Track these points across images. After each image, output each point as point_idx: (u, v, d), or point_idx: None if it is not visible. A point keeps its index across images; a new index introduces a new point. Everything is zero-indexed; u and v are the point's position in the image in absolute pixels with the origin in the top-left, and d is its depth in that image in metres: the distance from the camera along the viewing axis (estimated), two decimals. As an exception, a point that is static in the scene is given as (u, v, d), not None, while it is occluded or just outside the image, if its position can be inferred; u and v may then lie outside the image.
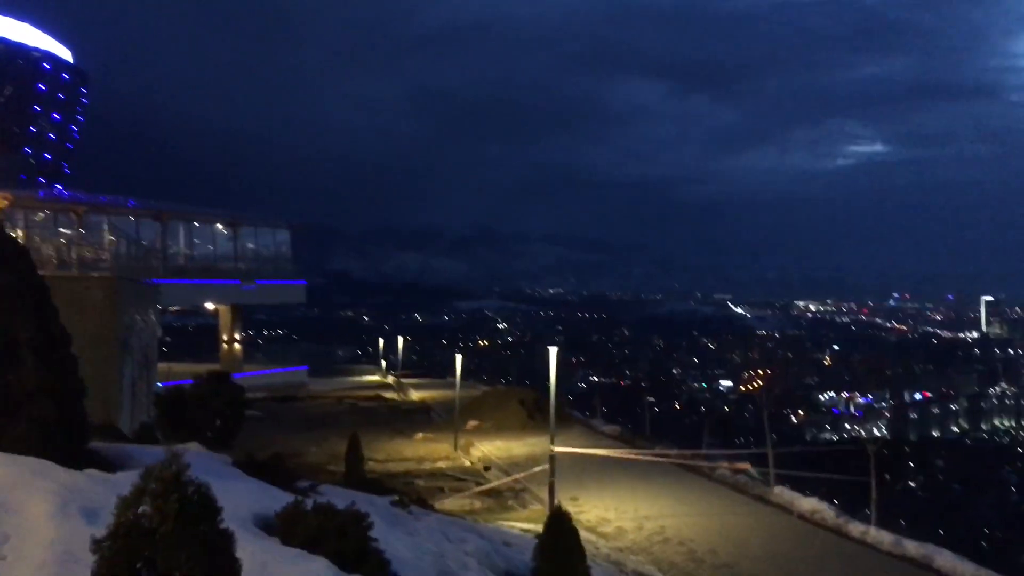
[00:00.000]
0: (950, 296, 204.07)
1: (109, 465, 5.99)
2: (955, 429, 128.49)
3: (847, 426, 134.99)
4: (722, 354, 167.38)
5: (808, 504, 20.24)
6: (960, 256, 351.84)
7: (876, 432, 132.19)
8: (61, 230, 37.56)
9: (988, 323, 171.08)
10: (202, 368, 50.67)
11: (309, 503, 6.49)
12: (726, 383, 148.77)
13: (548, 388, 22.25)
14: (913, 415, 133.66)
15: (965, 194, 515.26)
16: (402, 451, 30.32)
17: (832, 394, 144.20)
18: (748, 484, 23.26)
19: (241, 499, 6.12)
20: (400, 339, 52.72)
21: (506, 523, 19.59)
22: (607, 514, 20.54)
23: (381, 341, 56.68)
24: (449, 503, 22.13)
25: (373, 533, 6.98)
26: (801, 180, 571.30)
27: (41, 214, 38.25)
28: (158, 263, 42.12)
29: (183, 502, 3.58)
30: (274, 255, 49.29)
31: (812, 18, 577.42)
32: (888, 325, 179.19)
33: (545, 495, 22.19)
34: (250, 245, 48.38)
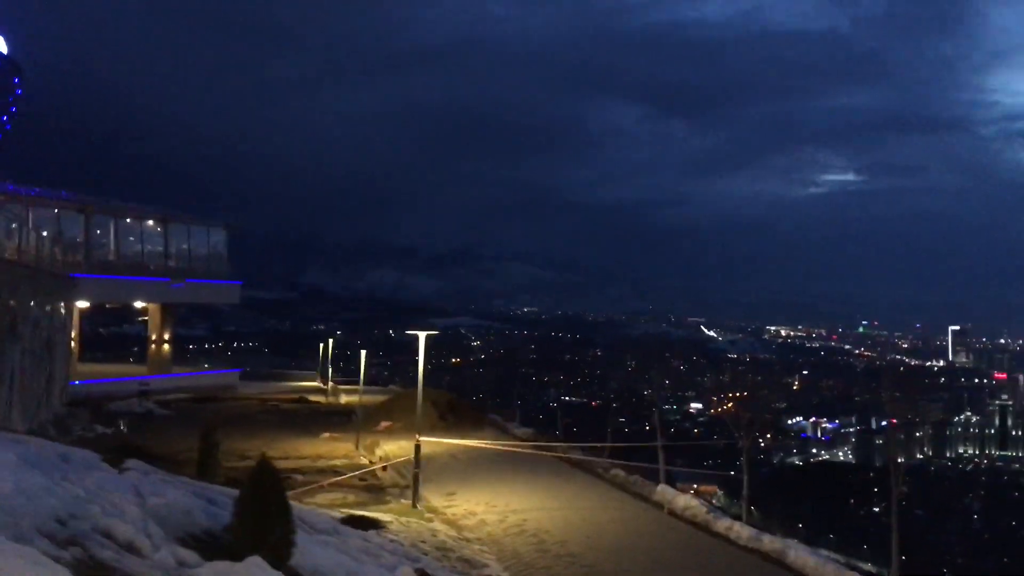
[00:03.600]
0: (918, 325, 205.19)
1: None
2: (920, 456, 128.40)
3: (814, 450, 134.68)
4: (693, 376, 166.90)
5: (682, 501, 19.59)
6: (929, 285, 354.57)
7: (841, 456, 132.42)
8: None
9: (955, 352, 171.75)
10: (128, 369, 49.55)
11: None
12: (696, 405, 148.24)
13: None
14: (879, 441, 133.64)
15: (935, 224, 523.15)
16: (302, 450, 29.46)
17: (800, 419, 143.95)
18: (634, 483, 22.59)
19: None
20: (324, 346, 52.26)
21: (367, 513, 18.83)
22: (476, 508, 19.83)
23: (322, 346, 55.73)
24: (321, 497, 21.33)
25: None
26: (775, 206, 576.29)
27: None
28: (78, 256, 41.24)
29: None
30: (208, 254, 48.28)
31: (787, 48, 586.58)
32: (857, 351, 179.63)
33: (429, 491, 21.54)
34: (183, 244, 47.42)
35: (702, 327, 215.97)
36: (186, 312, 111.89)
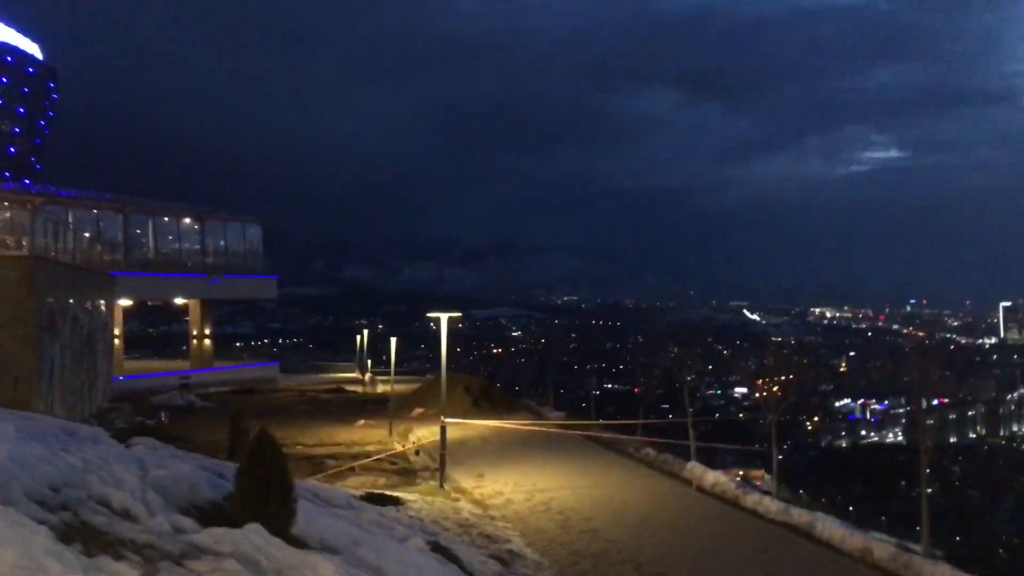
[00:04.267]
0: (968, 302, 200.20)
1: None
2: (972, 435, 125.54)
3: (863, 432, 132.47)
4: (736, 361, 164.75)
5: (712, 477, 19.38)
6: (978, 262, 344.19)
7: (891, 438, 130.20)
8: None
9: (1007, 328, 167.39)
10: (171, 364, 50.53)
11: None
12: (741, 390, 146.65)
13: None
14: (930, 421, 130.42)
15: (982, 199, 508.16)
16: (336, 437, 29.79)
17: (848, 400, 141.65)
18: (664, 461, 22.42)
19: None
20: (360, 337, 52.81)
21: (396, 493, 19.00)
22: (504, 488, 19.84)
23: (359, 338, 56.21)
24: (352, 480, 21.58)
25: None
26: (816, 187, 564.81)
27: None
28: (117, 255, 42.14)
29: None
30: (244, 250, 49.00)
31: (824, 26, 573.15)
32: (905, 331, 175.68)
33: (459, 472, 21.70)
34: (219, 241, 48.19)
35: (745, 311, 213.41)
36: (230, 311, 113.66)
